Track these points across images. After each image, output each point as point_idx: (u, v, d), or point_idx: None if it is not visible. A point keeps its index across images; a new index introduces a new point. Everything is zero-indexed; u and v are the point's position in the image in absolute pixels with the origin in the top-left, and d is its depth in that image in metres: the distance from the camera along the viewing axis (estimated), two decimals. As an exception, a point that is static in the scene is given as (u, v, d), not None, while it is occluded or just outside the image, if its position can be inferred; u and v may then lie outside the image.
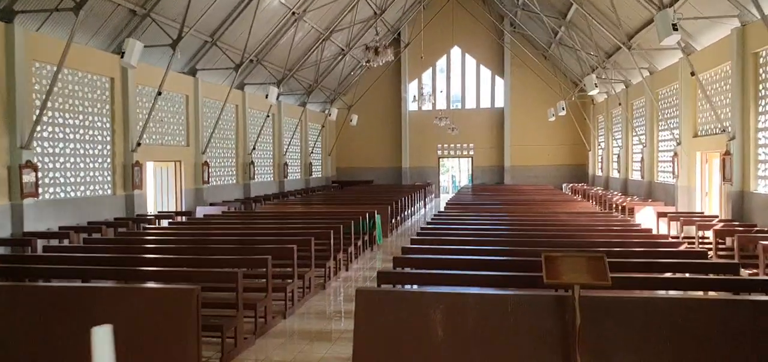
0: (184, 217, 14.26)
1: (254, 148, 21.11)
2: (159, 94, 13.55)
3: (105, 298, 5.60)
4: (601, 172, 24.97)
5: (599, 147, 25.81)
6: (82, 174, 12.59)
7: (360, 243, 12.28)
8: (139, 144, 13.92)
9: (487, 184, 28.91)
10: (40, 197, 11.33)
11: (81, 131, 12.56)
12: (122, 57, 10.25)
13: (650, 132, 17.88)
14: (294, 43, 20.34)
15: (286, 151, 24.47)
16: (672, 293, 6.41)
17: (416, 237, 8.76)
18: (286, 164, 24.37)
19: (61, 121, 11.97)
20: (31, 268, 7.54)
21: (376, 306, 5.20)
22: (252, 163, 20.99)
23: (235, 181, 20.32)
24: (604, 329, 4.80)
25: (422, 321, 5.06)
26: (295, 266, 8.10)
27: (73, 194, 12.31)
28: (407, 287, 6.57)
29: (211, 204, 17.25)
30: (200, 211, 15.97)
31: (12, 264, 7.74)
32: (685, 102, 14.49)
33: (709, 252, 7.82)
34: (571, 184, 26.25)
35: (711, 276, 6.60)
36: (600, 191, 20.95)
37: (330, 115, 25.86)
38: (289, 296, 7.87)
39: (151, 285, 5.78)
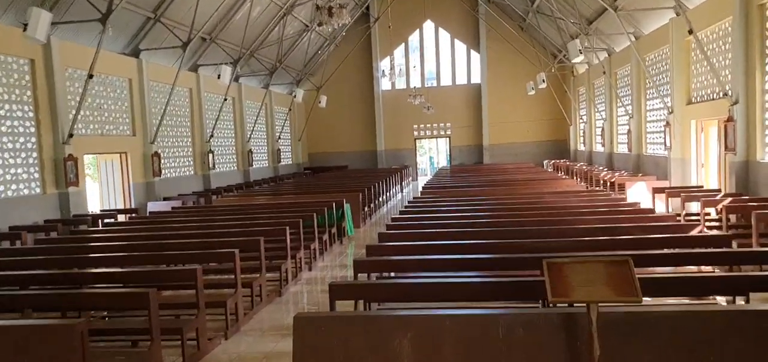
0: (125, 216, 12.61)
1: (212, 135, 19.42)
2: (90, 76, 11.83)
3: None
4: (584, 146, 23.89)
5: (581, 120, 24.70)
6: (0, 171, 10.87)
7: (326, 236, 10.84)
8: (71, 135, 12.20)
9: (466, 164, 27.65)
10: (-56, 201, 9.65)
11: (-5, 122, 10.82)
12: (24, 30, 8.55)
13: (638, 101, 16.72)
14: (251, 19, 18.63)
15: (250, 138, 22.79)
16: (714, 301, 5.14)
17: (385, 232, 7.36)
18: (250, 152, 22.70)
19: (-33, 110, 10.23)
20: None
21: (321, 337, 3.83)
22: (211, 151, 19.31)
23: (192, 173, 18.64)
24: (627, 355, 3.54)
25: (385, 355, 3.73)
26: (237, 272, 6.64)
27: (-12, 196, 10.61)
28: (374, 306, 5.19)
29: (164, 199, 15.63)
30: (151, 207, 14.38)
31: None
32: (678, 66, 13.29)
33: (731, 240, 6.55)
34: (553, 161, 25.14)
35: (749, 271, 5.33)
36: (584, 167, 19.82)
37: (296, 97, 24.21)
38: (230, 310, 6.42)
39: (18, 321, 4.33)
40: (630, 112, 17.10)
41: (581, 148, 25.12)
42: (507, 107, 28.57)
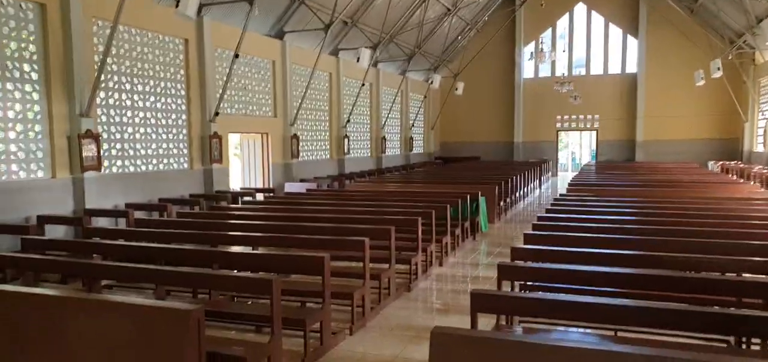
0: (262, 195, 12.84)
1: (349, 121, 19.45)
2: (236, 56, 12.13)
3: (77, 312, 3.95)
4: (764, 147, 20.32)
5: (762, 117, 21.04)
6: (153, 146, 11.53)
7: (459, 231, 10.02)
8: (216, 114, 12.67)
9: (615, 161, 25.06)
10: (106, 170, 10.37)
11: (152, 98, 11.47)
12: (177, 6, 8.77)
13: None
14: (392, 2, 18.26)
15: (385, 124, 22.62)
16: None
17: (531, 234, 6.36)
18: (384, 139, 22.54)
19: (128, 86, 10.91)
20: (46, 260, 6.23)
21: (462, 358, 3.05)
22: (346, 136, 19.37)
23: (328, 157, 18.83)
24: None
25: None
26: (366, 262, 6.09)
27: (143, 168, 11.28)
28: (516, 320, 4.29)
29: (301, 181, 15.88)
30: (287, 188, 14.64)
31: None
32: None
33: None
34: (721, 162, 21.77)
35: None
36: (764, 170, 16.73)
37: (433, 83, 23.54)
38: (357, 304, 5.89)
39: (139, 300, 4.13)
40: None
41: (759, 149, 21.45)
42: (666, 100, 25.38)
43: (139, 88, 11.17)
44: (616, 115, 26.60)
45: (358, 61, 15.61)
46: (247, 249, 7.26)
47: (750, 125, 22.62)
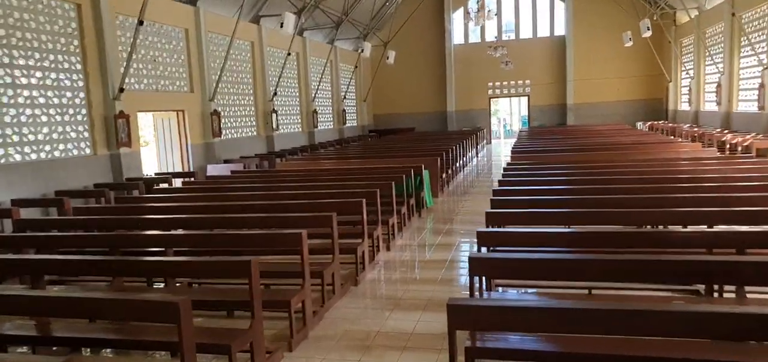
0: (181, 181, 11.40)
1: (276, 94, 18.05)
2: (140, 23, 10.53)
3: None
4: (689, 105, 20.84)
5: (686, 75, 21.56)
6: (45, 129, 9.81)
7: (405, 209, 9.16)
8: (121, 90, 11.02)
9: (547, 126, 25.12)
10: (-17, 162, 8.66)
11: (38, 74, 9.71)
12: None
13: (775, 48, 13.83)
14: (317, -36, 16.93)
15: (315, 97, 21.35)
16: None
17: (492, 212, 5.56)
18: (315, 112, 21.28)
19: (5, 60, 9.11)
20: None
21: None
22: (274, 111, 17.98)
23: (254, 134, 17.40)
24: None
25: None
26: (304, 259, 5.06)
27: (33, 156, 9.56)
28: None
29: (225, 162, 14.45)
30: (210, 170, 13.22)
31: None
32: None
33: None
34: (650, 122, 22.24)
35: None
36: (695, 128, 17.05)
37: (363, 51, 22.43)
38: (295, 310, 4.87)
39: (124, 295, 3.14)
40: (765, 61, 14.20)
41: (684, 107, 22.06)
42: (594, 62, 25.65)
43: (21, 62, 9.38)
44: (546, 79, 26.65)
45: (281, 26, 14.23)
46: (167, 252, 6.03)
47: (674, 85, 23.22)
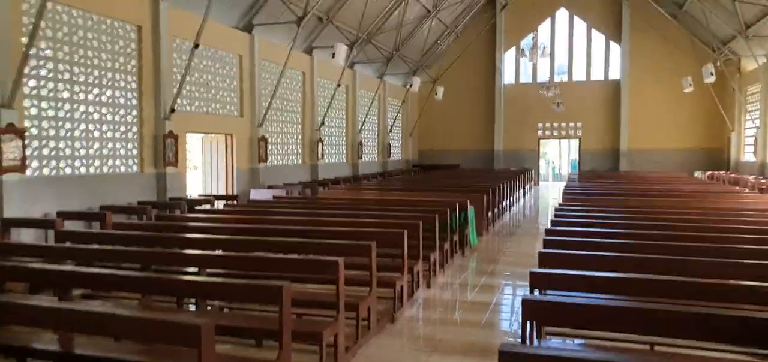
0: (223, 203, 11.40)
1: (323, 124, 18.12)
2: (196, 46, 10.72)
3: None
4: (755, 156, 19.66)
5: (751, 125, 20.42)
6: (96, 145, 10.02)
7: (448, 246, 8.79)
8: (173, 110, 11.21)
9: (598, 171, 24.22)
10: (36, 173, 8.86)
11: (95, 91, 9.97)
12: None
13: None
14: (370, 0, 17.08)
15: (361, 129, 21.34)
16: None
17: (546, 253, 5.16)
18: (360, 144, 21.26)
19: (66, 75, 9.40)
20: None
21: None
22: (321, 140, 18.03)
23: (300, 161, 17.46)
24: None
25: None
26: (340, 289, 4.79)
27: (83, 170, 9.75)
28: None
29: (269, 188, 14.48)
30: (253, 195, 13.23)
31: None
32: None
33: None
34: (708, 172, 21.09)
35: None
36: (762, 180, 15.97)
37: (412, 86, 22.38)
38: (328, 343, 4.58)
39: (144, 314, 3.02)
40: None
41: (748, 158, 20.84)
42: (650, 107, 24.73)
43: (81, 78, 9.66)
44: (599, 122, 25.85)
45: (333, 56, 14.30)
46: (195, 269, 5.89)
47: (737, 134, 22.04)
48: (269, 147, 15.35)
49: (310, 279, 5.85)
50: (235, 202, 11.78)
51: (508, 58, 27.04)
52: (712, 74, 17.88)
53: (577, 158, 26.99)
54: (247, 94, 14.47)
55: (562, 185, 26.01)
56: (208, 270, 5.66)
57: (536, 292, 4.32)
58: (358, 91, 21.10)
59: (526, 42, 24.08)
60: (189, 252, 5.87)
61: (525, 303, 3.52)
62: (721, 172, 20.38)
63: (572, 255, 5.32)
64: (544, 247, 5.46)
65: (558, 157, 31.76)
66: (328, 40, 17.25)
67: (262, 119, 14.75)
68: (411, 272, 6.81)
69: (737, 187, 15.14)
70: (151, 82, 11.06)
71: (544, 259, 5.11)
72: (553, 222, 7.21)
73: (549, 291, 4.57)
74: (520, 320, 3.60)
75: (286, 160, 16.78)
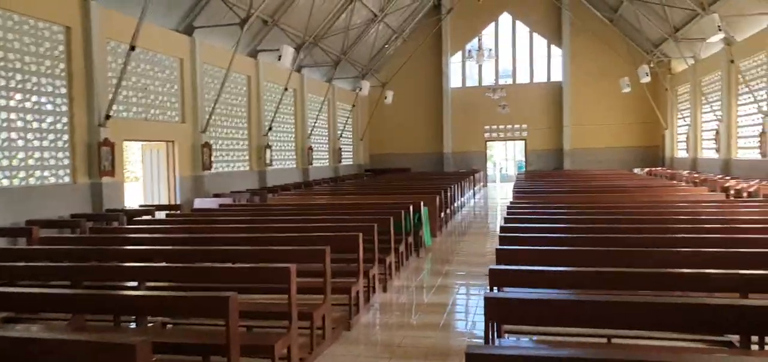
0: (165, 213, 10.81)
1: (271, 129, 17.64)
2: (132, 49, 10.13)
3: None
4: (687, 152, 20.58)
5: (682, 122, 21.36)
6: (21, 154, 9.27)
7: (403, 248, 8.60)
8: (108, 116, 10.55)
9: (544, 171, 24.77)
10: (-48, 186, 8.09)
11: (18, 96, 9.23)
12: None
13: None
14: (316, 2, 16.76)
15: (311, 134, 20.95)
16: None
17: (503, 249, 5.05)
18: (310, 149, 20.85)
19: (-14, 80, 8.65)
20: None
21: None
22: (268, 146, 17.54)
23: (247, 168, 16.91)
24: None
25: None
26: (292, 297, 4.49)
27: (5, 182, 8.99)
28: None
29: (215, 195, 13.90)
30: (197, 204, 12.65)
31: None
32: None
33: None
34: (647, 168, 21.95)
35: None
36: (696, 174, 16.70)
37: (361, 90, 22.20)
38: (281, 355, 4.27)
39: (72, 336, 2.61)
40: (765, 108, 13.94)
41: (681, 154, 21.81)
42: (589, 108, 25.56)
43: (1, 83, 8.91)
44: (542, 123, 26.47)
45: (279, 59, 13.89)
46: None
47: (670, 132, 23.03)
48: (214, 153, 14.77)
49: (261, 288, 5.51)
50: (177, 212, 11.19)
51: (455, 62, 27.33)
52: (647, 74, 18.60)
53: (523, 159, 27.52)
54: (189, 99, 13.87)
55: (509, 186, 26.57)
56: (149, 283, 5.24)
57: (495, 290, 4.18)
58: (306, 96, 20.71)
59: (473, 45, 24.41)
60: (127, 264, 5.41)
61: (488, 301, 3.36)
62: (658, 168, 21.23)
63: (529, 251, 5.24)
64: (501, 244, 5.35)
65: (505, 160, 32.32)
66: (273, 43, 16.80)
67: (205, 125, 14.16)
68: (367, 276, 6.57)
69: (675, 181, 15.75)
70: (82, 86, 10.36)
71: (501, 256, 5.00)
72: (506, 219, 7.15)
73: (507, 288, 4.44)
74: (479, 319, 3.43)
75: (233, 167, 16.21)
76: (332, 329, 5.44)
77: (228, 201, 12.61)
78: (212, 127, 14.67)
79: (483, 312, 3.42)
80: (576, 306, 3.38)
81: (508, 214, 7.54)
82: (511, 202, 9.18)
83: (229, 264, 5.34)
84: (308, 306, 5.06)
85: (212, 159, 14.52)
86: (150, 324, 5.07)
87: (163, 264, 5.47)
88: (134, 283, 5.27)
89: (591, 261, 5.07)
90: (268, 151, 17.45)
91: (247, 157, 16.91)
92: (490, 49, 16.71)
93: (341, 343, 5.40)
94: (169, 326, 5.22)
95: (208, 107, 14.37)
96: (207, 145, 14.22)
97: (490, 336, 3.61)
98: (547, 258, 5.16)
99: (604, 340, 4.51)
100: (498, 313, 3.47)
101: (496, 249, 4.95)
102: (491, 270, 4.17)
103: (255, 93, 17.08)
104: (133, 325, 5.39)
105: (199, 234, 7.04)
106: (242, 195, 14.20)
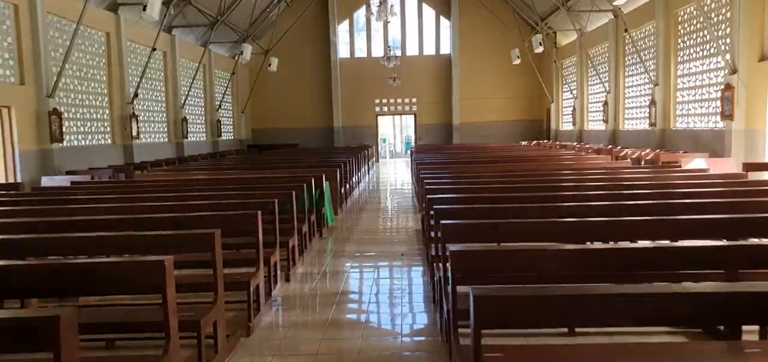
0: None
1: (136, 96, 15.24)
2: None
3: None
4: (573, 125, 21.29)
5: (569, 95, 22.08)
6: None
7: (306, 228, 7.34)
8: None
9: (435, 145, 24.52)
10: None
11: None
12: None
13: (664, 65, 14.06)
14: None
15: (185, 104, 18.64)
16: None
17: (448, 224, 4.04)
18: (185, 120, 18.57)
19: None
20: None
21: None
22: (134, 116, 15.15)
23: (109, 142, 14.46)
24: None
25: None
26: (169, 301, 3.11)
27: None
28: None
29: (68, 173, 11.52)
30: (45, 182, 10.32)
31: None
32: (747, 13, 10.58)
33: None
34: (534, 141, 22.48)
35: None
36: (586, 145, 17.15)
37: (242, 55, 20.22)
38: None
39: None
40: (653, 78, 14.43)
41: (566, 127, 22.58)
42: (479, 83, 25.71)
43: None
44: (432, 97, 26.21)
45: (144, 10, 11.70)
46: None
47: (556, 105, 23.77)
48: (66, 123, 12.29)
49: (124, 290, 4.00)
50: (15, 191, 8.89)
51: (343, 31, 26.09)
52: (540, 44, 18.79)
53: (412, 137, 27.15)
54: (29, 56, 11.29)
55: (399, 161, 26.21)
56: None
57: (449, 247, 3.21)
58: (178, 60, 18.33)
59: (344, 32, 23.33)
60: None
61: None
62: (545, 141, 21.78)
63: (471, 225, 4.32)
64: (442, 219, 4.33)
65: (393, 136, 31.86)
66: (139, -4, 14.39)
67: (52, 89, 11.65)
68: (267, 264, 5.26)
69: (573, 152, 16.01)
70: None
71: (447, 232, 4.00)
72: (428, 191, 6.20)
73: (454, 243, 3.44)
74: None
75: (91, 140, 13.73)
76: (227, 338, 4.10)
77: (86, 179, 10.40)
78: (62, 91, 12.18)
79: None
80: (568, 300, 2.48)
81: (427, 187, 6.57)
82: (424, 175, 8.27)
83: (86, 259, 3.76)
84: (194, 310, 3.69)
85: (63, 129, 12.05)
86: None
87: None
88: None
89: (541, 233, 4.27)
90: (134, 122, 15.07)
91: (108, 129, 14.45)
92: (392, 5, 15.53)
93: (240, 354, 4.08)
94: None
95: (56, 67, 11.85)
96: (56, 113, 11.73)
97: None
98: (494, 233, 4.27)
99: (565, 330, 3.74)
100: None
101: (442, 225, 3.94)
102: (452, 252, 3.15)
103: (116, 53, 14.58)
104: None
105: (44, 218, 5.23)
106: (104, 173, 11.95)
